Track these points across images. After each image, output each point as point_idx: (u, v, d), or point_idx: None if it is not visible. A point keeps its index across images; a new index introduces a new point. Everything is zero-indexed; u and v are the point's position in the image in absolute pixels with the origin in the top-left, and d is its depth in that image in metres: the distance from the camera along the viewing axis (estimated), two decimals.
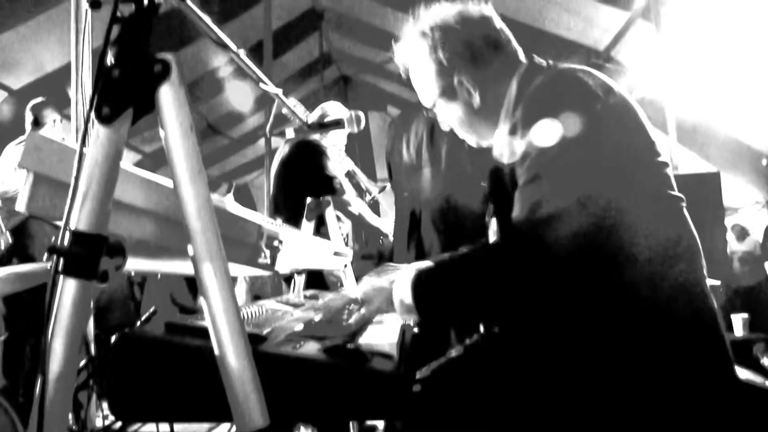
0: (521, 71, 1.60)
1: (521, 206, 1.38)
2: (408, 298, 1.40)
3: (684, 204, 1.49)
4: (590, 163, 1.34)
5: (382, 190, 4.74)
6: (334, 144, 4.22)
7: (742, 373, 1.50)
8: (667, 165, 1.49)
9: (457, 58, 1.62)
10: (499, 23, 1.67)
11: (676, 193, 1.48)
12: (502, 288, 1.35)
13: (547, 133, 1.36)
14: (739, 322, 4.89)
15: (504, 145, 1.57)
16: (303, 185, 3.86)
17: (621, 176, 1.36)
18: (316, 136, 4.02)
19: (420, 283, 1.41)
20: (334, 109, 4.23)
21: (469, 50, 1.62)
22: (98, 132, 0.99)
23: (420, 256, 3.31)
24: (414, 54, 1.71)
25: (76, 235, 0.96)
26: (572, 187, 1.32)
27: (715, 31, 6.15)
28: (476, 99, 1.63)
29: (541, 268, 1.31)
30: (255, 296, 5.07)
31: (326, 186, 3.93)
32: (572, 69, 1.50)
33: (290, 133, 2.42)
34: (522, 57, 1.67)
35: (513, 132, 1.48)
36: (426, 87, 1.71)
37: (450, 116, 1.71)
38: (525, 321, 1.50)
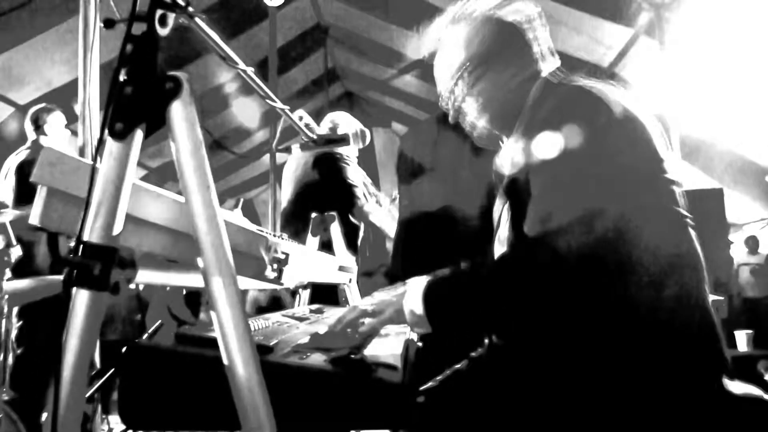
0: (541, 80, 1.63)
1: (532, 220, 1.42)
2: (419, 309, 1.41)
3: (690, 221, 1.51)
4: (597, 178, 1.36)
5: (394, 200, 4.70)
6: (349, 155, 4.14)
7: (743, 387, 1.50)
8: (676, 182, 1.49)
9: (504, 35, 1.65)
10: (539, 24, 1.68)
11: (682, 210, 1.49)
12: (512, 297, 1.37)
13: (556, 148, 1.39)
14: (743, 337, 4.89)
15: (511, 154, 1.59)
16: (324, 195, 3.80)
17: (625, 191, 1.38)
18: (341, 148, 3.96)
19: (431, 293, 1.42)
20: (343, 120, 4.21)
21: (513, 34, 1.65)
22: (111, 147, 1.02)
23: (414, 267, 3.32)
24: (456, 28, 1.69)
25: (89, 247, 0.98)
26: (579, 200, 1.34)
27: (719, 47, 6.18)
28: (510, 78, 1.64)
29: (549, 279, 1.33)
30: None
31: (348, 195, 3.88)
32: (584, 86, 1.52)
33: (296, 149, 2.45)
34: (546, 64, 1.68)
35: (522, 143, 1.51)
36: (459, 58, 1.66)
37: (479, 91, 1.66)
38: (531, 332, 1.51)
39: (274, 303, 4.24)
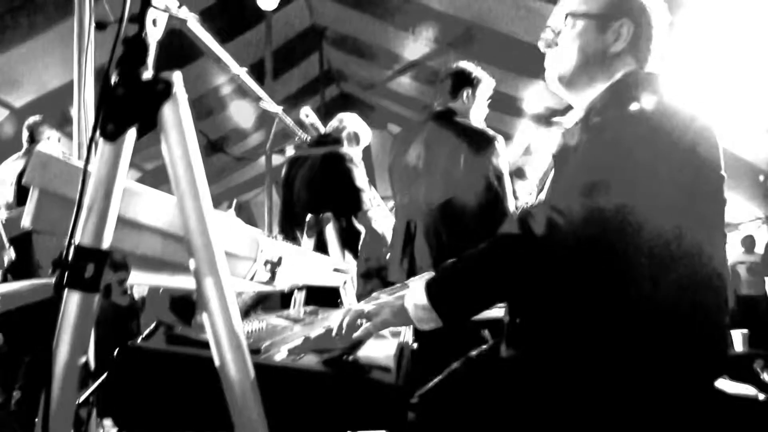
0: (628, 68, 1.65)
1: (546, 197, 1.41)
2: (423, 300, 1.40)
3: (725, 240, 1.51)
4: (624, 178, 1.34)
5: (392, 209, 4.64)
6: (356, 156, 4.05)
7: (738, 387, 1.51)
8: (725, 202, 1.50)
9: (634, 10, 1.66)
10: (657, 26, 1.71)
11: (725, 230, 1.49)
12: (516, 270, 1.36)
13: (621, 141, 1.39)
14: (739, 337, 4.91)
15: (577, 124, 1.59)
16: (330, 197, 3.75)
17: (677, 207, 1.36)
18: (344, 149, 3.92)
19: (433, 282, 1.41)
20: (351, 121, 4.16)
21: (643, 17, 1.67)
22: (102, 148, 1.02)
23: (412, 269, 3.33)
24: None
25: (80, 250, 0.98)
26: (595, 191, 1.33)
27: (713, 48, 6.19)
28: (614, 48, 1.65)
29: (548, 260, 1.33)
30: None
31: (354, 199, 3.82)
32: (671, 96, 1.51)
33: (290, 150, 2.44)
34: (640, 64, 1.70)
35: (591, 118, 1.52)
36: (587, 2, 1.69)
37: (576, 42, 1.68)
38: (530, 313, 1.51)
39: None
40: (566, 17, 1.69)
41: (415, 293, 1.42)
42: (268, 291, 1.73)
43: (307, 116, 2.41)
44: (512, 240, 1.39)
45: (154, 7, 1.09)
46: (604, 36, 1.65)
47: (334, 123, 4.12)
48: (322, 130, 4.15)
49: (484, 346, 1.78)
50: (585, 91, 1.67)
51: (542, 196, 1.70)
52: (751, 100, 6.53)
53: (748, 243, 10.14)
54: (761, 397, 1.51)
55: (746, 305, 9.58)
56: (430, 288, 1.40)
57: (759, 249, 10.04)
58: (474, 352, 1.75)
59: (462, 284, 1.40)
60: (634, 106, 1.42)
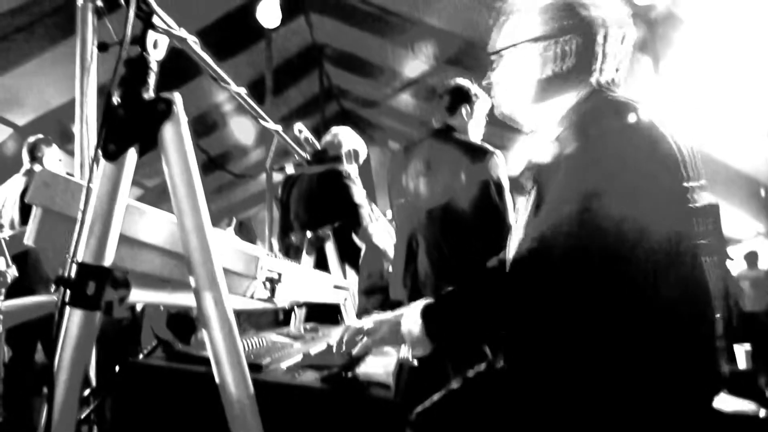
0: (586, 92, 1.62)
1: (539, 224, 1.43)
2: (417, 327, 1.41)
3: (698, 252, 1.50)
4: (618, 202, 1.33)
5: (391, 221, 4.62)
6: (352, 173, 4.03)
7: (737, 404, 1.51)
8: (697, 212, 1.49)
9: (580, 24, 1.60)
10: (617, 36, 1.65)
11: (696, 241, 1.49)
12: (507, 313, 1.37)
13: (588, 162, 1.39)
14: (742, 353, 4.88)
15: (549, 146, 1.58)
16: (329, 213, 3.71)
17: (644, 221, 1.35)
18: (342, 166, 3.91)
19: (429, 310, 1.42)
20: (345, 136, 4.16)
21: (592, 30, 1.61)
22: (104, 168, 1.03)
23: (415, 285, 3.33)
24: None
25: (82, 267, 1.00)
26: (590, 221, 1.32)
27: (712, 61, 6.21)
28: (561, 66, 1.61)
29: (543, 297, 1.33)
30: None
31: (354, 215, 3.79)
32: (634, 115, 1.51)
33: (290, 168, 2.45)
34: (597, 77, 1.63)
35: (561, 140, 1.52)
36: (528, 26, 1.65)
37: (525, 65, 1.66)
38: (526, 348, 1.52)
39: None
40: (511, 46, 1.67)
41: (411, 319, 1.43)
42: (261, 309, 1.73)
43: (300, 132, 2.42)
44: (509, 282, 1.40)
45: (155, 29, 1.11)
46: (551, 55, 1.62)
47: (328, 137, 4.11)
48: (318, 145, 4.15)
49: (483, 364, 1.78)
50: (545, 112, 1.66)
51: (531, 207, 1.69)
52: (751, 114, 6.54)
53: (751, 258, 10.12)
54: (762, 413, 1.51)
55: (749, 321, 9.54)
56: (426, 314, 1.42)
57: (761, 264, 10.02)
58: (473, 370, 1.75)
59: (457, 316, 1.42)
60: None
